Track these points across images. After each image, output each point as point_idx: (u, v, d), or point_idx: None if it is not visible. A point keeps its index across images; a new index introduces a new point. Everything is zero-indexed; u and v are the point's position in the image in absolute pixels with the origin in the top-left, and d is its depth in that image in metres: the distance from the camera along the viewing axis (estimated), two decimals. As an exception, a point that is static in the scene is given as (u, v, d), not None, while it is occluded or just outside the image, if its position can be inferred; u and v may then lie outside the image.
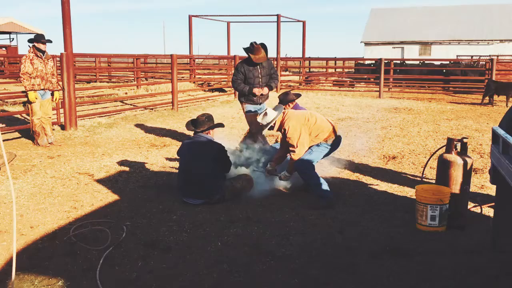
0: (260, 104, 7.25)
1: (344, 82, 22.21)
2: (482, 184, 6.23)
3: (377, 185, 6.15)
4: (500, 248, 3.47)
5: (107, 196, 5.55)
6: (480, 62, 22.18)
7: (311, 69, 26.29)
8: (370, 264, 3.80)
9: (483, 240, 4.20)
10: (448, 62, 21.53)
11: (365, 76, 22.03)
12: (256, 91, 6.98)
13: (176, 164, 7.08)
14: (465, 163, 4.54)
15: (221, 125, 5.51)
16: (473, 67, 20.78)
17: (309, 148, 5.41)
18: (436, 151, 5.25)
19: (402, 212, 5.08)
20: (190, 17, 21.23)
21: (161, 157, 7.66)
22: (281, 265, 3.80)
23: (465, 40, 32.65)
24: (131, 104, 14.04)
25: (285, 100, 6.56)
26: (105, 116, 11.81)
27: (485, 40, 32.53)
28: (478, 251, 4.00)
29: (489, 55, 25.31)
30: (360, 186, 6.12)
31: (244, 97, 7.20)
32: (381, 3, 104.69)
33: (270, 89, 7.26)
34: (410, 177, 6.58)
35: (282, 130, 5.47)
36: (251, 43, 6.92)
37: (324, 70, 25.47)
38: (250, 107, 7.22)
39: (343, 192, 5.78)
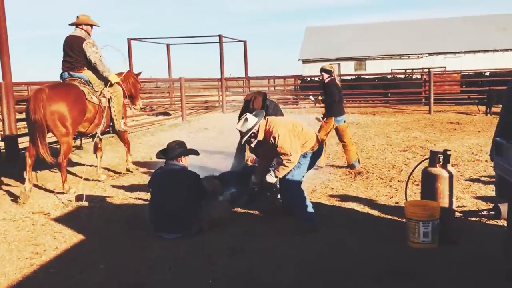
0: None
1: (288, 100, 22.38)
2: (457, 195, 6.27)
3: (353, 202, 6.02)
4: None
5: (72, 237, 5.04)
6: (415, 75, 23.16)
7: (253, 88, 26.34)
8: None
9: (478, 254, 4.15)
10: (389, 76, 22.32)
11: (310, 93, 22.27)
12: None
13: (139, 195, 6.65)
14: (451, 176, 4.51)
15: (194, 151, 5.18)
16: (412, 80, 21.63)
17: None
18: (418, 164, 5.20)
19: (386, 228, 4.97)
20: (129, 40, 20.66)
21: (119, 188, 7.16)
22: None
23: (397, 55, 34.16)
24: (74, 133, 13.25)
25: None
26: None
27: (415, 54, 34.19)
28: (477, 265, 3.93)
29: (422, 68, 26.56)
30: (336, 205, 5.97)
31: None
32: (317, 21, 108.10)
33: None
34: (382, 191, 6.52)
35: (271, 140, 4.98)
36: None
37: (267, 88, 25.61)
38: None
39: (322, 212, 5.60)
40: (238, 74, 24.26)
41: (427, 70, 22.74)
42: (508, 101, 3.70)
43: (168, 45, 23.18)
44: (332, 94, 7.95)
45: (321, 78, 8.31)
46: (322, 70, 8.18)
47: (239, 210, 5.67)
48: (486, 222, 5.03)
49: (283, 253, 4.38)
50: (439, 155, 4.58)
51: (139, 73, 8.75)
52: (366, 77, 23.29)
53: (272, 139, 4.97)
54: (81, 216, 5.79)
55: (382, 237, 4.71)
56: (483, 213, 5.04)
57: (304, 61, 36.33)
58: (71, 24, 7.15)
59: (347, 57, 34.76)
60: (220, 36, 19.26)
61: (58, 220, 5.65)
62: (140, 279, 3.93)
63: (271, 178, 5.12)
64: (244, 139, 5.06)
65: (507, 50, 33.05)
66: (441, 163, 4.56)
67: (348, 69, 33.84)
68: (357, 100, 20.80)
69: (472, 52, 33.52)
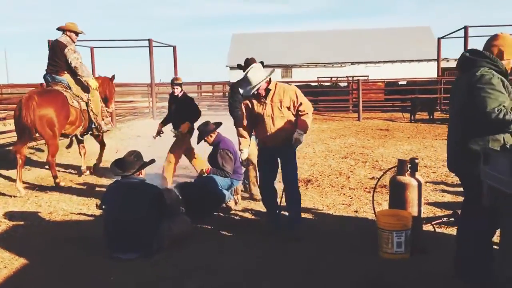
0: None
1: (219, 106, 22.13)
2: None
3: (314, 211, 5.90)
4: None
5: (12, 261, 4.44)
6: (342, 84, 23.87)
7: (182, 94, 25.81)
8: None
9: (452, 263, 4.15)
10: (316, 84, 22.78)
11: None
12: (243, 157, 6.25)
13: (82, 210, 6.09)
14: (419, 184, 4.51)
15: (153, 161, 4.79)
16: (341, 88, 22.24)
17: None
18: (385, 172, 5.19)
19: (354, 239, 4.87)
20: (49, 41, 19.32)
21: (56, 202, 6.53)
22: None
23: (321, 63, 35.12)
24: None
25: (205, 130, 6.05)
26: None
27: (339, 63, 35.36)
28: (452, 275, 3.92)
29: (346, 76, 27.46)
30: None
31: None
32: (243, 29, 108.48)
33: None
34: (338, 200, 6.47)
35: (288, 94, 4.88)
36: (246, 59, 6.34)
37: (196, 95, 25.19)
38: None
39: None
40: (168, 80, 23.50)
41: (351, 78, 23.54)
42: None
43: (92, 48, 22.00)
44: (194, 108, 7.08)
45: (172, 92, 7.03)
46: (175, 83, 6.96)
47: (198, 225, 5.33)
48: (447, 228, 5.10)
49: (255, 269, 4.13)
50: (407, 164, 4.57)
51: (113, 77, 9.06)
52: (296, 84, 23.62)
53: (290, 92, 4.90)
54: (19, 236, 5.17)
55: (353, 248, 4.59)
56: (443, 219, 5.11)
57: (231, 68, 36.30)
58: (58, 29, 7.67)
59: (274, 64, 35.20)
60: (149, 40, 18.58)
61: (-9, 241, 4.99)
62: (104, 308, 3.50)
63: (244, 155, 5.16)
64: (254, 90, 4.73)
65: (421, 60, 35.19)
66: (409, 172, 4.56)
67: (275, 76, 34.17)
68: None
69: (390, 62, 35.32)
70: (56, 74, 7.63)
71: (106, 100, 8.66)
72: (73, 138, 8.53)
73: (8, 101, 19.56)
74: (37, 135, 7.28)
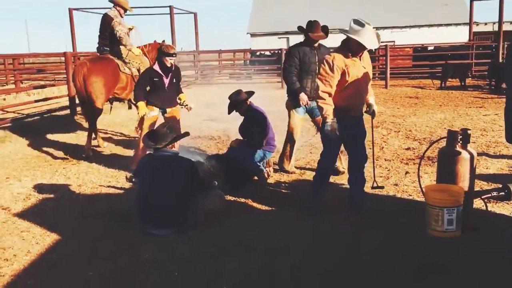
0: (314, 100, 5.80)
1: (241, 75, 21.76)
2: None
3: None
4: None
5: (44, 237, 4.31)
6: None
7: (204, 63, 25.43)
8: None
9: (504, 242, 3.86)
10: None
11: (267, 67, 21.78)
12: (303, 100, 5.75)
13: (111, 182, 5.94)
14: (472, 157, 4.19)
15: (186, 134, 4.56)
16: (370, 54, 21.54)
17: None
18: (432, 143, 4.82)
19: (396, 216, 4.59)
20: (70, 10, 19.04)
21: (85, 174, 6.39)
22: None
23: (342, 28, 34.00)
24: (18, 113, 12.01)
25: (237, 100, 5.77)
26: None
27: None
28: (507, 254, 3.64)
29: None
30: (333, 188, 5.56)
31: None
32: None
33: None
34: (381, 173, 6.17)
35: (369, 63, 4.67)
36: (309, 21, 5.85)
37: (217, 63, 24.79)
38: (300, 107, 5.94)
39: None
40: (189, 48, 23.10)
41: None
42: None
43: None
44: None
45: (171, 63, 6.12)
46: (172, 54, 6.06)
47: (229, 198, 5.12)
48: (497, 203, 4.78)
49: (300, 250, 3.89)
50: (458, 134, 4.24)
51: (163, 42, 8.75)
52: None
53: (368, 58, 4.67)
54: (48, 210, 5.03)
55: (398, 225, 4.32)
56: (492, 194, 4.79)
57: (253, 35, 35.56)
58: (109, 1, 8.13)
59: (296, 31, 34.33)
60: (171, 7, 18.19)
61: (21, 216, 4.87)
62: (141, 288, 3.33)
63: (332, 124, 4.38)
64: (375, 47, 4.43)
65: (449, 25, 33.89)
66: (460, 143, 4.23)
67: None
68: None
69: (417, 27, 34.09)
70: (107, 46, 8.20)
71: None
72: (126, 102, 8.95)
73: (29, 70, 19.56)
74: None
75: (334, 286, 3.31)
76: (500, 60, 16.25)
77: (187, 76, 21.97)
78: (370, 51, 4.65)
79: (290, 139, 6.15)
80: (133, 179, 5.69)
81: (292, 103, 5.99)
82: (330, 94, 4.35)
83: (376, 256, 3.72)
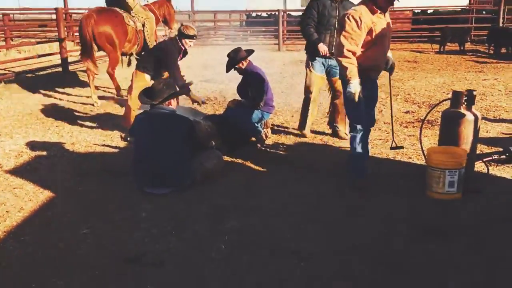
0: (329, 58, 5.53)
1: (237, 36, 21.34)
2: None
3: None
4: None
5: (37, 194, 4.22)
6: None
7: (199, 23, 24.89)
8: (417, 251, 3.19)
9: (509, 205, 3.82)
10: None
11: (263, 29, 21.37)
12: (322, 49, 5.41)
13: (106, 141, 5.84)
14: (476, 119, 4.10)
15: (186, 91, 4.41)
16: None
17: None
18: (437, 105, 4.68)
19: (397, 178, 4.53)
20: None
21: (78, 133, 6.25)
22: (315, 267, 3.03)
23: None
24: (8, 70, 11.71)
25: (236, 58, 5.59)
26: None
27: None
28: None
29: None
30: (331, 151, 5.49)
31: (311, 48, 5.57)
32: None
33: None
34: (373, 135, 6.05)
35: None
36: None
37: (212, 24, 24.25)
38: (317, 62, 5.60)
39: (324, 159, 5.10)
40: (184, 8, 22.55)
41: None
42: None
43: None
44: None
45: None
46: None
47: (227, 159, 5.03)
48: (497, 166, 4.73)
49: (297, 211, 3.84)
50: (463, 96, 4.13)
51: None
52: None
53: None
54: (41, 168, 4.92)
55: (398, 188, 4.26)
56: (493, 157, 4.74)
57: (248, -5, 34.80)
58: None
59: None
60: (165, -36, 17.59)
61: (14, 172, 4.77)
62: (138, 248, 3.26)
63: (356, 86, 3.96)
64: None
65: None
66: (465, 105, 4.13)
67: (294, 4, 32.79)
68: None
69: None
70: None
71: (166, 22, 9.32)
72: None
73: (20, 27, 19.02)
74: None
75: (337, 247, 3.26)
76: (500, 25, 16.00)
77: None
78: None
79: (306, 100, 5.84)
80: (128, 138, 5.61)
81: (310, 57, 5.67)
82: (354, 53, 3.96)
83: (378, 219, 3.67)
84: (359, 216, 3.72)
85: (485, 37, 15.79)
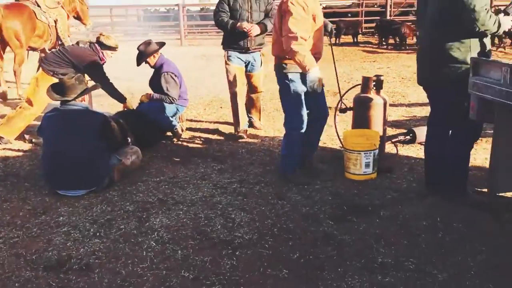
0: (250, 52, 5.38)
1: (137, 32, 20.70)
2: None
3: (267, 137, 5.65)
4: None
5: None
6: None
7: (94, 20, 23.74)
8: (345, 228, 3.33)
9: (418, 181, 4.11)
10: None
11: (163, 24, 20.91)
12: (245, 25, 5.12)
13: (5, 145, 5.36)
14: (385, 102, 4.37)
15: (97, 86, 4.18)
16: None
17: None
18: (348, 90, 4.88)
19: (315, 163, 4.69)
20: None
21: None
22: (246, 252, 3.05)
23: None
24: None
25: (148, 51, 5.42)
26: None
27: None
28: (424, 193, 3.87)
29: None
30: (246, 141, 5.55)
31: (227, 42, 5.38)
32: None
33: (264, 30, 5.27)
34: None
35: None
36: None
37: (109, 19, 23.27)
38: (234, 56, 5.37)
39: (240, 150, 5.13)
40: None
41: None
42: None
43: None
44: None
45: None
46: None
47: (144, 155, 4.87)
48: (404, 146, 5.08)
49: (224, 200, 3.83)
50: (372, 81, 4.37)
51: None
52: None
53: None
54: None
55: (319, 171, 4.41)
56: (400, 138, 5.08)
57: (144, -10, 33.88)
58: None
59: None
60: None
61: None
62: (60, 254, 3.04)
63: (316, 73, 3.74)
64: None
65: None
66: (374, 89, 4.38)
67: (191, -1, 32.53)
68: (208, 32, 20.16)
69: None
70: None
71: (79, 19, 9.05)
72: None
73: None
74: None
75: (266, 229, 3.29)
76: (388, 17, 17.17)
77: (77, 34, 20.43)
78: None
79: (233, 96, 5.54)
80: (33, 140, 5.21)
81: (226, 50, 5.42)
82: (306, 41, 3.74)
83: (302, 202, 3.77)
84: (284, 202, 3.79)
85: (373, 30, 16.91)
